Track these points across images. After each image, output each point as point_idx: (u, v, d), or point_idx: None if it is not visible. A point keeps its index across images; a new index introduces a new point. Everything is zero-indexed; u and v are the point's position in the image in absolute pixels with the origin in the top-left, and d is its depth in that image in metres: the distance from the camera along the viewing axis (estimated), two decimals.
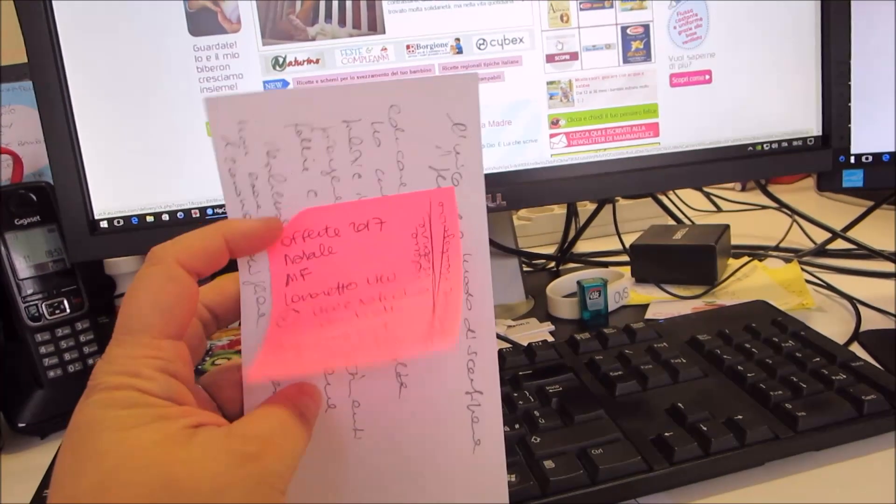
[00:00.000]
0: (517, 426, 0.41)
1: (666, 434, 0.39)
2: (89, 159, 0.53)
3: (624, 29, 0.56)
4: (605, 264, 0.80)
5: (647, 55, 0.57)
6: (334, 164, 0.29)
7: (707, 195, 1.07)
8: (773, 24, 0.58)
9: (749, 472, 0.39)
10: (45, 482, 0.42)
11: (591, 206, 0.89)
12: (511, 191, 0.57)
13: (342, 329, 0.29)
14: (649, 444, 0.39)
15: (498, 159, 0.57)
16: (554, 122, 0.57)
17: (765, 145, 0.59)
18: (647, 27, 0.56)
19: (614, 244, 0.88)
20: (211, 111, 0.28)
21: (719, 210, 1.06)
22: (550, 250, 0.85)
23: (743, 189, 1.18)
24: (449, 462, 0.31)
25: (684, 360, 0.47)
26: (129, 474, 0.23)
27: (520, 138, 0.57)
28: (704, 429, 0.39)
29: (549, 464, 0.38)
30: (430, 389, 0.30)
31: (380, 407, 0.30)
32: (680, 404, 0.42)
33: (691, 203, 1.01)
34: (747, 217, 1.01)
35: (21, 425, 0.54)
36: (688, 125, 0.58)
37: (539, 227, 0.94)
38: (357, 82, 0.28)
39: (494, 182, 0.57)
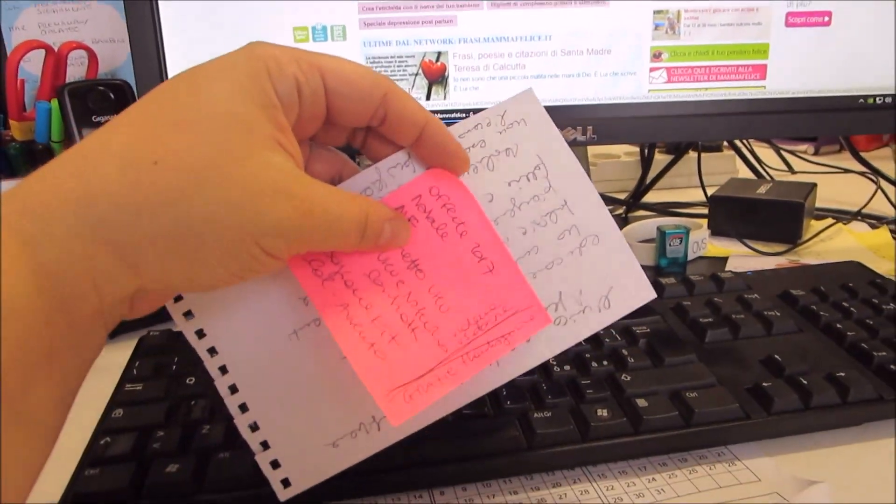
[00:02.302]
0: (605, 363, 0.40)
1: (764, 384, 0.38)
2: (173, 63, 0.52)
3: None
4: (677, 214, 0.77)
5: None
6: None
7: (780, 155, 1.03)
8: None
9: (845, 431, 0.38)
10: (126, 376, 0.42)
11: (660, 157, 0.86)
12: (602, 125, 0.54)
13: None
14: (745, 392, 0.38)
15: (592, 90, 0.54)
16: (656, 55, 0.54)
17: (877, 98, 0.55)
18: None
19: (681, 196, 0.85)
20: (527, 94, 0.33)
21: (792, 171, 1.02)
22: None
23: (816, 153, 1.13)
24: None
25: (778, 313, 0.45)
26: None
27: (618, 69, 0.54)
28: (804, 382, 0.37)
29: (641, 402, 0.36)
30: None
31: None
32: (777, 356, 0.40)
33: (764, 161, 0.96)
34: (822, 180, 0.96)
35: None
36: (798, 70, 0.55)
37: (602, 174, 0.91)
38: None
39: (586, 114, 0.54)
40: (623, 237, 0.33)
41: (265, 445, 0.31)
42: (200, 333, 0.31)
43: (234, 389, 0.31)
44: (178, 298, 0.31)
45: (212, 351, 0.31)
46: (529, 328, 0.31)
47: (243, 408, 0.31)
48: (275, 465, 0.31)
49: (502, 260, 0.32)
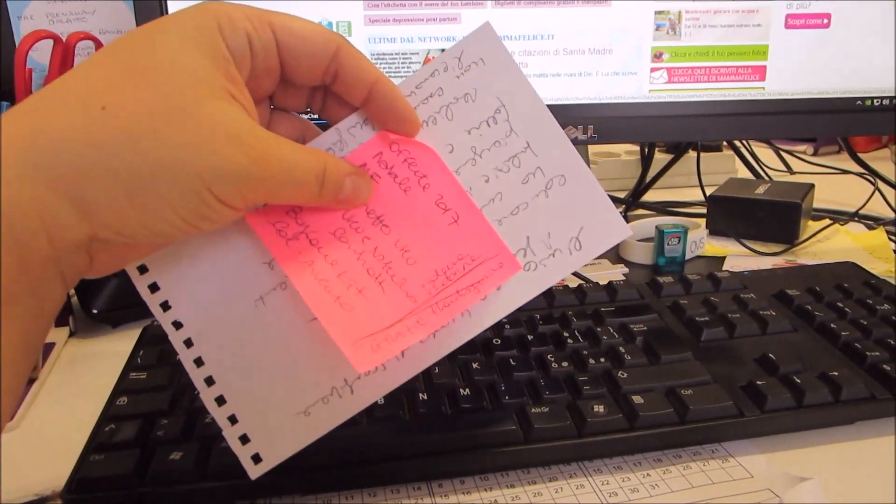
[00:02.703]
0: (602, 360, 0.40)
1: (758, 382, 0.38)
2: None
3: None
4: (676, 213, 0.78)
5: None
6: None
7: (779, 155, 1.03)
8: None
9: (837, 430, 0.38)
10: (130, 364, 0.43)
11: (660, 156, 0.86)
12: (603, 124, 0.55)
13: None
14: (739, 390, 0.38)
15: (593, 90, 0.55)
16: (657, 56, 0.54)
17: (875, 100, 0.56)
18: None
19: (680, 195, 0.86)
20: (484, 29, 0.32)
21: (791, 171, 1.03)
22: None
23: (815, 153, 1.14)
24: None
25: (773, 313, 0.46)
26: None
27: (619, 69, 0.54)
28: (798, 381, 0.38)
29: (637, 398, 0.37)
30: None
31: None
32: (771, 355, 0.41)
33: (762, 161, 0.97)
34: (820, 180, 0.97)
35: (94, 311, 0.55)
36: (797, 71, 0.55)
37: (603, 172, 0.92)
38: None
39: (587, 113, 0.54)
40: (591, 174, 0.33)
41: (233, 420, 0.31)
42: (165, 306, 0.31)
43: (199, 363, 0.31)
44: (143, 270, 0.31)
45: (176, 324, 0.31)
46: (499, 276, 0.31)
47: (209, 381, 0.31)
48: (244, 440, 0.31)
49: (466, 209, 0.32)
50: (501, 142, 0.32)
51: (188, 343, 0.31)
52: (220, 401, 0.31)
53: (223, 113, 0.26)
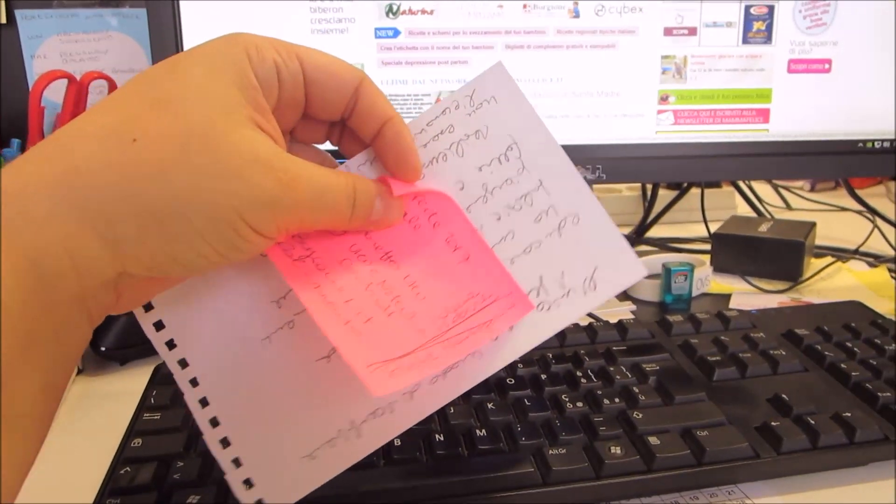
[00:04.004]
0: (616, 400, 0.41)
1: (773, 423, 0.38)
2: None
3: (748, 8, 0.54)
4: (679, 250, 0.79)
5: (767, 37, 0.55)
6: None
7: (778, 192, 1.05)
8: None
9: (851, 471, 0.38)
10: (143, 405, 0.42)
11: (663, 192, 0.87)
12: (611, 164, 0.55)
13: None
14: (754, 431, 0.39)
15: (601, 131, 0.56)
16: (663, 98, 0.55)
17: (876, 143, 0.57)
18: (771, 8, 0.54)
19: (682, 231, 0.87)
20: (496, 68, 0.32)
21: (789, 208, 1.04)
22: None
23: (812, 189, 1.15)
24: None
25: (783, 352, 0.46)
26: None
27: (626, 111, 0.55)
28: (812, 422, 0.38)
29: (653, 440, 0.37)
30: None
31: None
32: (784, 395, 0.41)
33: (762, 198, 0.98)
34: (818, 217, 0.98)
35: (103, 349, 0.55)
36: (800, 114, 0.56)
37: (605, 208, 0.93)
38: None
39: (595, 154, 0.55)
40: (606, 213, 0.32)
41: (237, 463, 0.30)
42: (171, 344, 0.30)
43: (204, 403, 0.30)
44: (148, 308, 0.30)
45: (182, 363, 0.30)
46: (511, 315, 0.30)
47: (214, 422, 0.30)
48: (248, 484, 0.30)
49: (477, 248, 0.31)
50: (513, 179, 0.32)
51: (193, 382, 0.30)
52: (225, 443, 0.30)
53: (252, 141, 0.25)
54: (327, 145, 0.33)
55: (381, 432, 0.30)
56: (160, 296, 0.30)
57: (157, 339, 0.30)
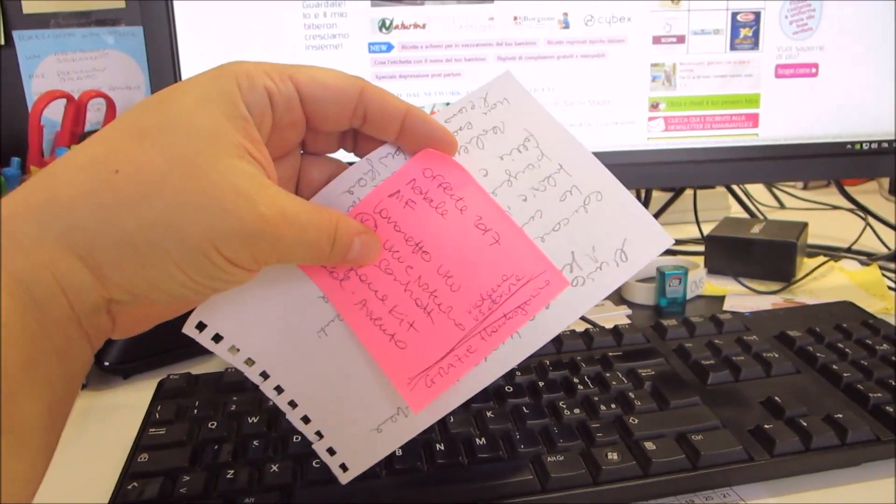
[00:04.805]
0: (612, 405, 0.41)
1: (766, 426, 0.39)
2: None
3: (735, 15, 0.55)
4: (673, 252, 0.79)
5: (754, 43, 0.56)
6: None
7: (772, 191, 1.06)
8: (886, 21, 0.56)
9: (844, 471, 0.39)
10: (148, 420, 0.43)
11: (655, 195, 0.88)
12: None
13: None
14: (747, 434, 0.39)
15: (593, 139, 0.56)
16: (654, 106, 0.56)
17: (864, 144, 0.58)
18: (758, 14, 0.55)
19: (675, 232, 0.87)
20: (506, 75, 0.34)
21: (782, 207, 1.05)
22: None
23: (805, 187, 1.16)
24: None
25: (776, 355, 0.47)
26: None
27: (617, 119, 0.56)
28: (804, 424, 0.39)
29: (649, 445, 0.38)
30: None
31: None
32: (777, 398, 0.42)
33: (754, 197, 0.99)
34: (811, 216, 0.99)
35: (106, 363, 0.55)
36: (788, 118, 0.57)
37: None
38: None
39: None
40: (626, 190, 0.33)
41: (319, 435, 0.32)
42: (234, 349, 0.32)
43: (279, 390, 0.32)
44: (202, 328, 0.32)
45: (249, 361, 0.32)
46: (546, 294, 0.31)
47: (292, 404, 0.32)
48: (331, 451, 0.32)
49: (507, 228, 0.32)
50: (534, 165, 0.33)
51: (264, 375, 0.32)
52: (306, 420, 0.32)
53: (235, 172, 0.25)
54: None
55: (432, 412, 0.32)
56: (205, 311, 0.32)
57: (220, 349, 0.32)
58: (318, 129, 0.31)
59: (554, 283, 0.31)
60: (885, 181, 1.13)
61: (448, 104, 0.34)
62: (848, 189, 1.01)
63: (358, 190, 0.32)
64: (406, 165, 0.32)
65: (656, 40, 0.55)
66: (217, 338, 0.32)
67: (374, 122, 0.31)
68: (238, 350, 0.32)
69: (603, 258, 0.32)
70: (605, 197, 0.33)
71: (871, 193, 1.13)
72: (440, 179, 0.32)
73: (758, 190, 1.03)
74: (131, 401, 0.49)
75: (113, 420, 0.49)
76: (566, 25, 0.54)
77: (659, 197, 0.87)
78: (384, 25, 0.53)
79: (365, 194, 0.32)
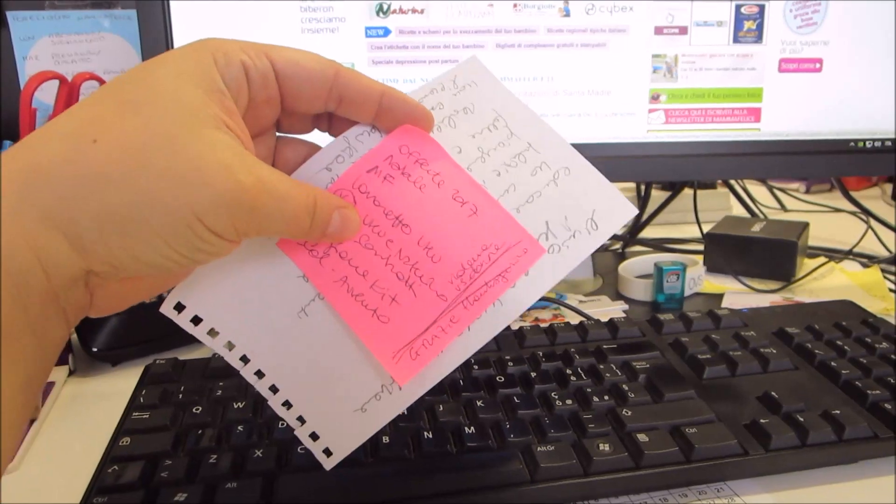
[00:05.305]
0: (606, 397, 0.41)
1: (762, 420, 0.38)
2: None
3: (739, 7, 0.54)
4: (673, 250, 0.79)
5: (758, 37, 0.55)
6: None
7: (773, 193, 1.05)
8: (893, 19, 0.55)
9: (840, 468, 0.38)
10: (132, 404, 0.42)
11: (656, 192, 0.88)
12: (603, 163, 0.55)
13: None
14: (743, 429, 0.39)
15: (592, 130, 0.56)
16: (654, 97, 0.55)
17: (867, 142, 0.57)
18: (762, 8, 0.54)
19: (676, 232, 0.87)
20: (472, 60, 0.35)
21: (784, 209, 1.04)
22: None
23: (808, 191, 1.15)
24: None
25: (774, 351, 0.46)
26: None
27: (617, 110, 0.55)
28: (801, 419, 0.38)
29: (642, 437, 0.37)
30: None
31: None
32: (773, 393, 0.41)
33: (756, 199, 0.98)
34: (813, 218, 0.98)
35: (94, 350, 0.55)
36: (791, 114, 0.56)
37: None
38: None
39: (586, 153, 0.55)
40: (592, 165, 0.35)
41: (301, 420, 0.32)
42: (213, 332, 0.32)
43: (260, 374, 0.32)
44: (180, 309, 0.31)
45: (229, 345, 0.32)
46: (525, 261, 0.32)
47: (273, 389, 0.32)
48: (314, 437, 0.32)
49: (483, 200, 0.33)
50: (505, 143, 0.34)
51: (244, 360, 0.32)
52: (287, 405, 0.32)
53: (215, 143, 0.25)
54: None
55: (417, 385, 0.32)
56: (184, 290, 0.31)
57: (199, 332, 0.32)
58: (293, 109, 0.31)
59: (532, 251, 0.32)
60: (888, 187, 1.13)
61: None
62: (851, 192, 1.00)
63: (336, 167, 0.33)
64: (383, 142, 0.33)
65: (658, 31, 0.54)
66: (196, 320, 0.32)
67: (352, 103, 0.31)
68: (217, 333, 0.32)
69: (575, 227, 0.33)
70: (573, 172, 0.34)
71: (873, 199, 1.13)
72: (416, 155, 0.33)
73: (759, 192, 1.02)
74: (119, 387, 0.48)
75: (100, 406, 0.48)
76: (567, 13, 0.53)
77: (659, 196, 0.86)
78: (381, 10, 0.52)
79: (343, 171, 0.32)
